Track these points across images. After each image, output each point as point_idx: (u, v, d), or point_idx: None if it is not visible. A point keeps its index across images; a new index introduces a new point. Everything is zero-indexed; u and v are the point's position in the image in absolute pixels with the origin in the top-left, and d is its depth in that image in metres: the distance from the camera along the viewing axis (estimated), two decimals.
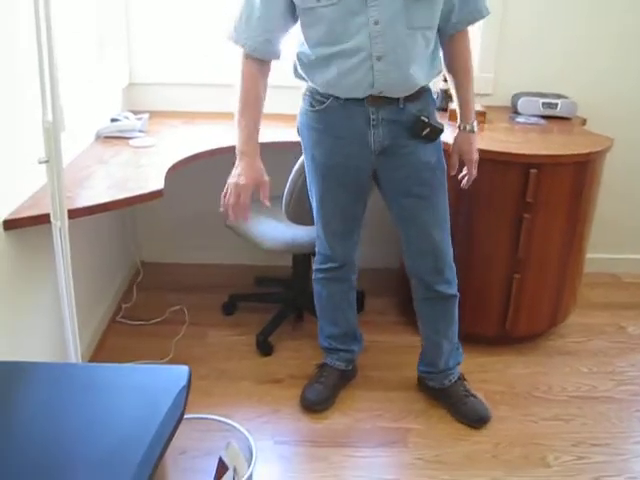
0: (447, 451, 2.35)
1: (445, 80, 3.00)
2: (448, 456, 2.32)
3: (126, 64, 3.19)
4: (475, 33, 3.16)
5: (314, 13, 1.99)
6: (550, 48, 3.23)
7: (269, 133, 2.89)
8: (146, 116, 2.91)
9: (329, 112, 2.15)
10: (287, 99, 3.10)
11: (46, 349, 2.29)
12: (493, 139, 2.71)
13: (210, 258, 3.55)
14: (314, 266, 2.52)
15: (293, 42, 2.15)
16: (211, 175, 3.16)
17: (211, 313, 3.13)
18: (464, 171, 2.37)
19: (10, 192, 2.00)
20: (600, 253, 3.53)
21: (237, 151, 2.16)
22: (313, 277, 2.53)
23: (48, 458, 1.19)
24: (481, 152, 2.38)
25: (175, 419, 1.30)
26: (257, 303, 3.17)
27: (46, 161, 1.77)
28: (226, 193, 2.16)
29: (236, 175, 2.15)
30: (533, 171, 2.53)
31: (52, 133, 1.74)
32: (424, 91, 2.16)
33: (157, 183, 2.25)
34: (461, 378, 2.56)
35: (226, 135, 2.77)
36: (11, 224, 1.95)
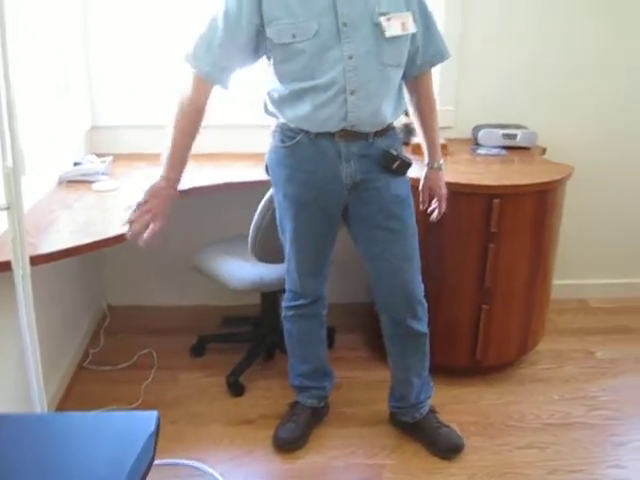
0: None
1: (406, 114, 3.05)
2: None
3: (88, 107, 3.19)
4: (435, 67, 3.22)
5: (290, 49, 2.01)
6: (509, 80, 3.30)
7: (234, 172, 2.91)
8: (109, 159, 2.90)
9: (300, 148, 2.15)
10: (249, 138, 3.15)
11: (10, 400, 2.24)
12: (456, 171, 2.74)
13: (178, 300, 3.52)
14: (284, 304, 2.50)
15: (263, 80, 2.17)
16: (176, 216, 3.16)
17: (180, 355, 3.09)
18: (433, 205, 2.41)
19: None
20: (567, 279, 3.56)
21: (161, 168, 2.09)
22: (283, 315, 2.51)
23: None
24: (445, 184, 2.41)
25: (144, 466, 1.28)
26: (226, 343, 3.14)
27: (6, 207, 1.75)
28: (138, 206, 2.05)
29: (149, 196, 2.05)
30: (496, 201, 2.56)
31: (12, 178, 1.72)
32: (391, 128, 2.21)
33: (120, 227, 2.23)
34: (432, 410, 2.55)
35: (190, 177, 2.76)
36: None
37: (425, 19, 2.16)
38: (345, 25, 1.99)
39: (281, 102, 2.12)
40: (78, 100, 3.08)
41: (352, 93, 2.03)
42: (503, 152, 3.05)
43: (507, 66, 3.29)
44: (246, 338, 3.11)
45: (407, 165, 2.22)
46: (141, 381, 2.86)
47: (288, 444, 2.49)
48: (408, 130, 2.97)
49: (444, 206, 2.40)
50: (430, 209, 2.42)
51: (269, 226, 2.46)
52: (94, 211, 2.43)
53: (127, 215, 2.03)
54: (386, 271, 2.29)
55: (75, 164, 2.85)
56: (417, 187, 2.40)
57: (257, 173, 2.80)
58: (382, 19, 2.01)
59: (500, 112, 3.29)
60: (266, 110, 2.23)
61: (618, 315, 3.58)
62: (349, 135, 2.11)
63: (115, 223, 2.25)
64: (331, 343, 3.04)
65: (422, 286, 2.34)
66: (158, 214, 2.05)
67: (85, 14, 3.09)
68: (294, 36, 1.98)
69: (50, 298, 2.67)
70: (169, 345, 3.15)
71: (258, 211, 2.50)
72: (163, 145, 2.08)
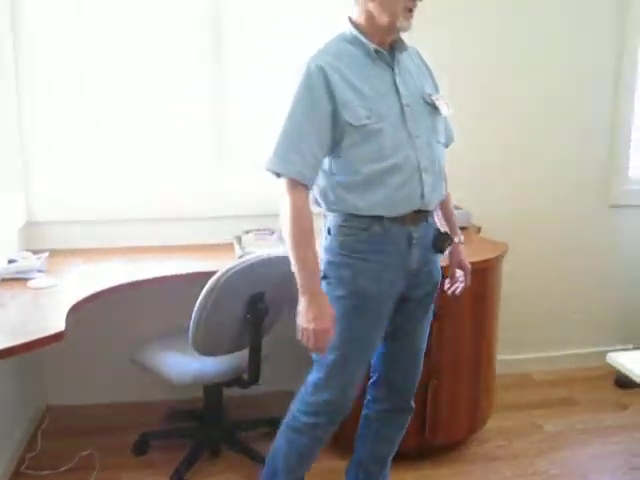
0: None
1: None
2: None
3: (23, 203, 3.15)
4: None
5: (366, 130, 2.00)
6: None
7: (171, 265, 2.89)
8: (45, 255, 2.85)
9: (373, 238, 2.06)
10: (184, 230, 3.16)
11: None
12: None
13: (119, 396, 3.42)
14: (304, 418, 2.21)
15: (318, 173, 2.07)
16: (114, 312, 3.11)
17: (123, 455, 2.98)
18: (460, 279, 2.40)
19: None
20: (510, 354, 3.61)
21: (304, 291, 1.98)
22: (294, 426, 2.24)
23: None
24: None
25: None
26: (170, 439, 3.04)
27: None
28: (306, 339, 2.00)
29: (312, 319, 1.98)
30: None
31: None
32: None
33: (58, 325, 2.18)
34: None
35: (126, 271, 2.75)
36: None
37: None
38: (407, 106, 2.05)
39: (351, 190, 2.04)
40: (12, 197, 3.05)
41: (425, 171, 2.05)
42: None
43: None
44: (190, 433, 3.02)
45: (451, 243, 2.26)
46: None
47: None
48: None
49: (469, 279, 2.39)
50: (455, 285, 2.40)
51: (210, 319, 2.44)
52: (30, 309, 2.37)
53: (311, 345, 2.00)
54: (410, 349, 2.28)
55: (9, 261, 2.79)
56: None
57: (194, 265, 2.81)
58: (434, 99, 2.11)
59: None
60: (325, 203, 2.11)
61: (561, 387, 3.64)
62: (417, 217, 2.09)
63: (52, 321, 2.20)
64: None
65: None
66: (331, 326, 2.01)
67: (20, 114, 3.10)
68: (368, 117, 1.99)
69: None
70: (111, 444, 3.04)
71: (198, 304, 2.47)
72: (295, 266, 2.00)
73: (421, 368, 2.33)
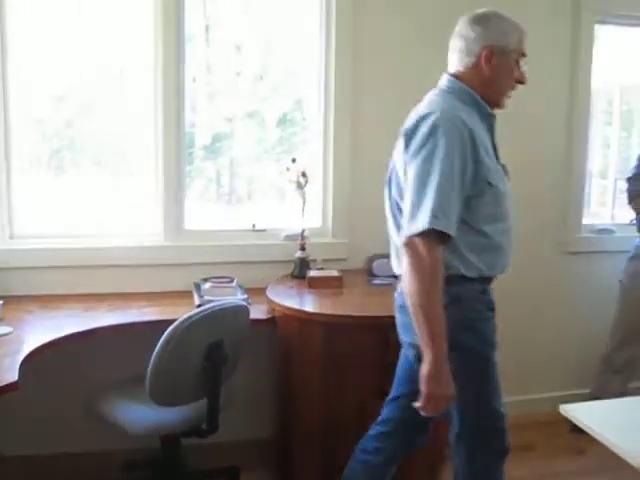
0: None
1: (303, 249, 3.14)
2: None
3: None
4: (327, 204, 3.36)
5: (497, 189, 2.05)
6: None
7: (128, 313, 2.87)
8: (0, 303, 2.81)
9: (485, 297, 2.15)
10: (143, 277, 3.14)
11: None
12: (352, 303, 2.80)
13: (73, 446, 3.33)
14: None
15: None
16: (69, 360, 3.06)
17: None
18: None
19: None
20: None
21: (435, 356, 1.91)
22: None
23: None
24: (340, 317, 2.45)
25: None
26: None
27: None
28: (432, 404, 1.96)
29: (443, 385, 1.93)
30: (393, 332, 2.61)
31: None
32: None
33: (11, 375, 2.14)
34: None
35: (82, 319, 2.74)
36: None
37: None
38: (504, 167, 2.16)
39: (479, 249, 2.06)
40: None
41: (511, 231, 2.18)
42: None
43: None
44: None
45: None
46: None
47: None
48: (303, 264, 3.04)
49: None
50: None
51: (167, 369, 2.42)
52: None
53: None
54: None
55: None
56: None
57: (152, 313, 2.80)
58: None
59: None
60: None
61: (519, 433, 3.62)
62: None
63: (5, 371, 2.16)
64: None
65: None
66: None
67: None
68: (497, 177, 2.07)
69: None
70: None
71: (155, 353, 2.45)
72: (420, 328, 1.94)
73: None
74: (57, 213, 3.23)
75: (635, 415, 1.79)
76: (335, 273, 3.03)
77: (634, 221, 3.58)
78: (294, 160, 3.19)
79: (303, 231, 3.19)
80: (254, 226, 3.31)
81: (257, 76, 3.47)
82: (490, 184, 2.01)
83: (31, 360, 2.38)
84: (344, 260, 3.37)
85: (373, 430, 2.37)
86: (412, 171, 1.98)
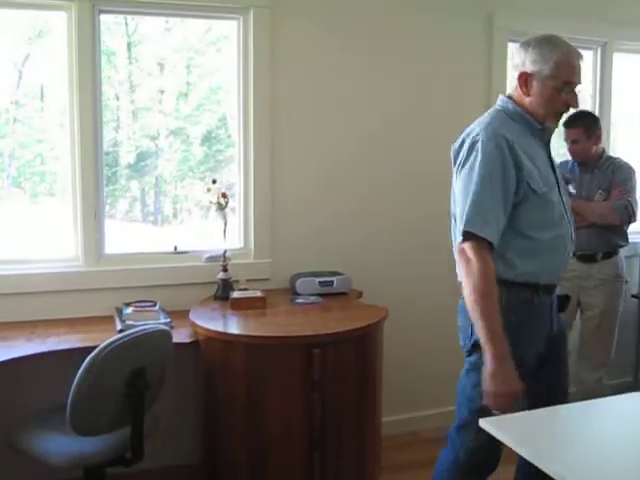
0: None
1: (225, 270, 3.12)
2: None
3: None
4: (249, 224, 3.35)
5: (544, 197, 2.15)
6: (321, 229, 3.48)
7: (47, 341, 2.80)
8: None
9: (537, 304, 2.22)
10: (62, 303, 3.07)
11: None
12: (275, 323, 2.80)
13: None
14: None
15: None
16: None
17: None
18: None
19: None
20: (397, 415, 3.65)
21: (495, 354, 2.02)
22: None
23: None
24: (264, 338, 2.45)
25: None
26: None
27: None
28: (498, 401, 2.03)
29: (501, 383, 2.02)
30: (316, 350, 2.62)
31: None
32: None
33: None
34: None
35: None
36: None
37: None
38: (558, 180, 2.23)
39: (530, 254, 2.17)
40: None
41: (572, 244, 2.25)
42: (320, 300, 3.15)
43: (318, 216, 3.48)
44: None
45: None
46: None
47: None
48: (226, 285, 3.03)
49: None
50: None
51: (88, 398, 2.36)
52: None
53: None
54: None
55: None
56: None
57: (73, 340, 2.73)
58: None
59: (315, 260, 3.43)
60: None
61: None
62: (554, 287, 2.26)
63: None
64: None
65: None
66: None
67: None
68: (545, 186, 2.16)
69: None
70: None
71: (75, 382, 2.38)
72: (479, 327, 2.05)
73: None
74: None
75: (553, 426, 1.83)
76: (258, 293, 3.02)
77: None
78: (214, 181, 3.21)
79: (225, 252, 3.18)
80: (176, 248, 3.28)
81: (181, 94, 3.45)
82: (533, 190, 2.13)
83: None
84: (268, 280, 3.37)
85: None
86: (458, 184, 2.18)
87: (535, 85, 2.18)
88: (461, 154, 2.18)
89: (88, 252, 3.18)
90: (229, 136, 3.46)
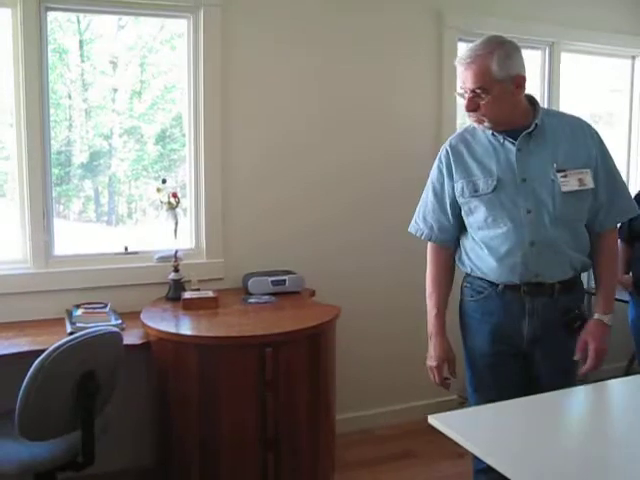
0: None
1: (176, 270, 3.10)
2: None
3: None
4: (200, 223, 3.34)
5: (472, 202, 2.30)
6: (273, 228, 3.49)
7: None
8: None
9: (488, 300, 2.34)
10: (11, 305, 3.02)
11: None
12: (227, 324, 2.79)
13: None
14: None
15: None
16: None
17: None
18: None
19: None
20: (351, 412, 3.67)
21: (428, 333, 2.44)
22: None
23: None
24: (216, 339, 2.44)
25: None
26: None
27: None
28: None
29: (428, 357, 2.45)
30: (268, 350, 2.63)
31: None
32: (575, 284, 2.33)
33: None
34: None
35: None
36: None
37: (609, 177, 2.29)
38: (524, 181, 2.23)
39: (471, 252, 2.37)
40: None
41: (532, 245, 2.22)
42: (273, 299, 3.15)
43: (270, 215, 3.49)
44: None
45: (584, 323, 2.32)
46: None
47: None
48: (177, 286, 3.01)
49: (594, 362, 2.29)
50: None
51: (37, 402, 2.32)
52: None
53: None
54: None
55: None
56: None
57: (21, 343, 2.69)
58: (559, 175, 2.21)
59: (268, 259, 3.44)
60: (459, 261, 2.46)
61: (402, 440, 3.73)
62: (533, 289, 2.25)
63: None
64: None
65: None
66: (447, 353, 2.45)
67: None
68: (476, 191, 2.29)
69: None
70: None
71: (23, 386, 2.34)
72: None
73: None
74: None
75: (502, 420, 1.86)
76: (210, 294, 3.01)
77: None
78: (164, 181, 3.20)
79: (176, 252, 3.16)
80: (126, 249, 3.25)
81: (135, 92, 3.42)
82: (460, 201, 2.35)
83: None
84: (221, 280, 3.36)
85: None
86: None
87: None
88: None
89: (36, 254, 3.13)
90: (184, 135, 3.43)
